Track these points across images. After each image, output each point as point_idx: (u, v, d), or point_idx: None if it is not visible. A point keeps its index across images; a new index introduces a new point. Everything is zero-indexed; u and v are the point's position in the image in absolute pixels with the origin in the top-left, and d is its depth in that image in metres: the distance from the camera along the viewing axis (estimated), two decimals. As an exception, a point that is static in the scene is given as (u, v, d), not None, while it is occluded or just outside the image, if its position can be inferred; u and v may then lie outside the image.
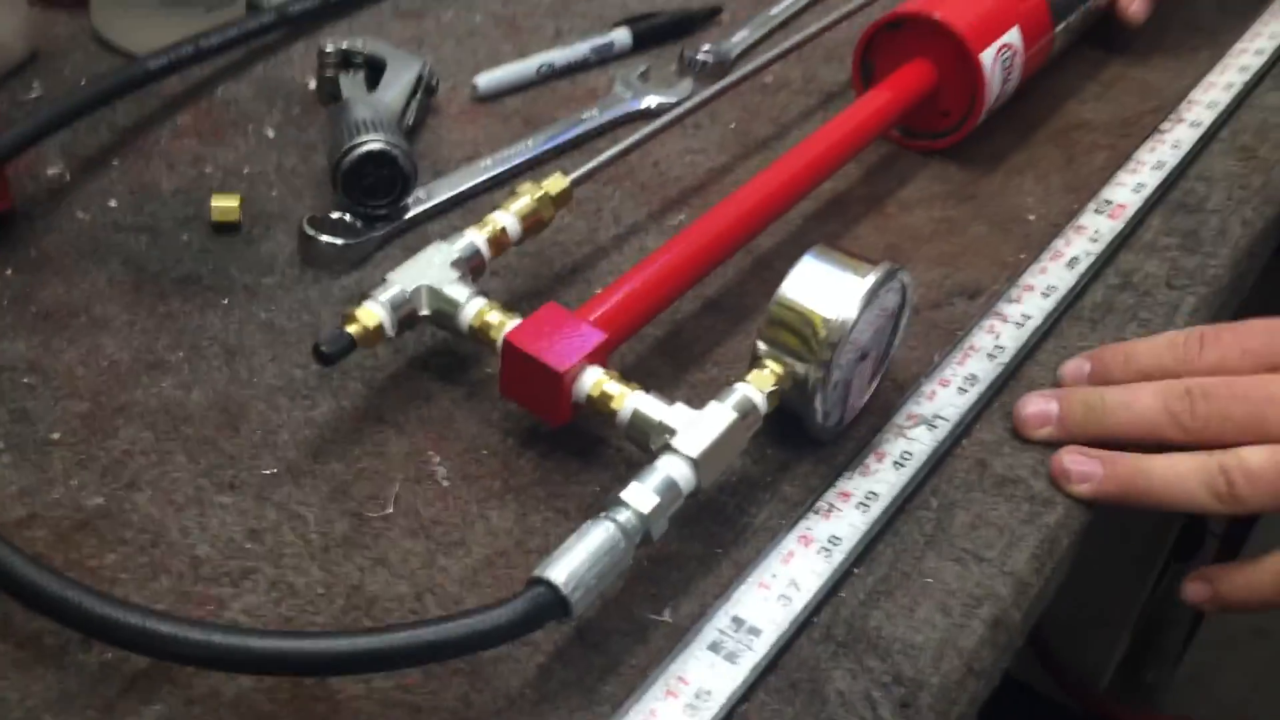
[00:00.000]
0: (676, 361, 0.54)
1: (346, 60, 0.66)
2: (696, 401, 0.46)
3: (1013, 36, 0.65)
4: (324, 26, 0.74)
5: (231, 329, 0.53)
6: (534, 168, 0.65)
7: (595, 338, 0.47)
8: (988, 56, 0.64)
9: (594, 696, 0.41)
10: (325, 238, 0.56)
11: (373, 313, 0.48)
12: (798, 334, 0.47)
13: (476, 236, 0.51)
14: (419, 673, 0.41)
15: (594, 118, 0.68)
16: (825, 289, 0.47)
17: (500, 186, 0.63)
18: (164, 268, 0.56)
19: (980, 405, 0.52)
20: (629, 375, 0.47)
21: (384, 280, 0.49)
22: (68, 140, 0.62)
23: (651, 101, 0.70)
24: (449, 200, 0.61)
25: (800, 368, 0.47)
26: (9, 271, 0.55)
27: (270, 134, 0.65)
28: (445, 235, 0.59)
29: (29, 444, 0.47)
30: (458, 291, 0.49)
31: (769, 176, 0.57)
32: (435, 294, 0.49)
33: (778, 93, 0.73)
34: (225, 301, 0.55)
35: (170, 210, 0.59)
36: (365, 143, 0.57)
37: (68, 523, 0.45)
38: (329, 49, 0.66)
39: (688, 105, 0.62)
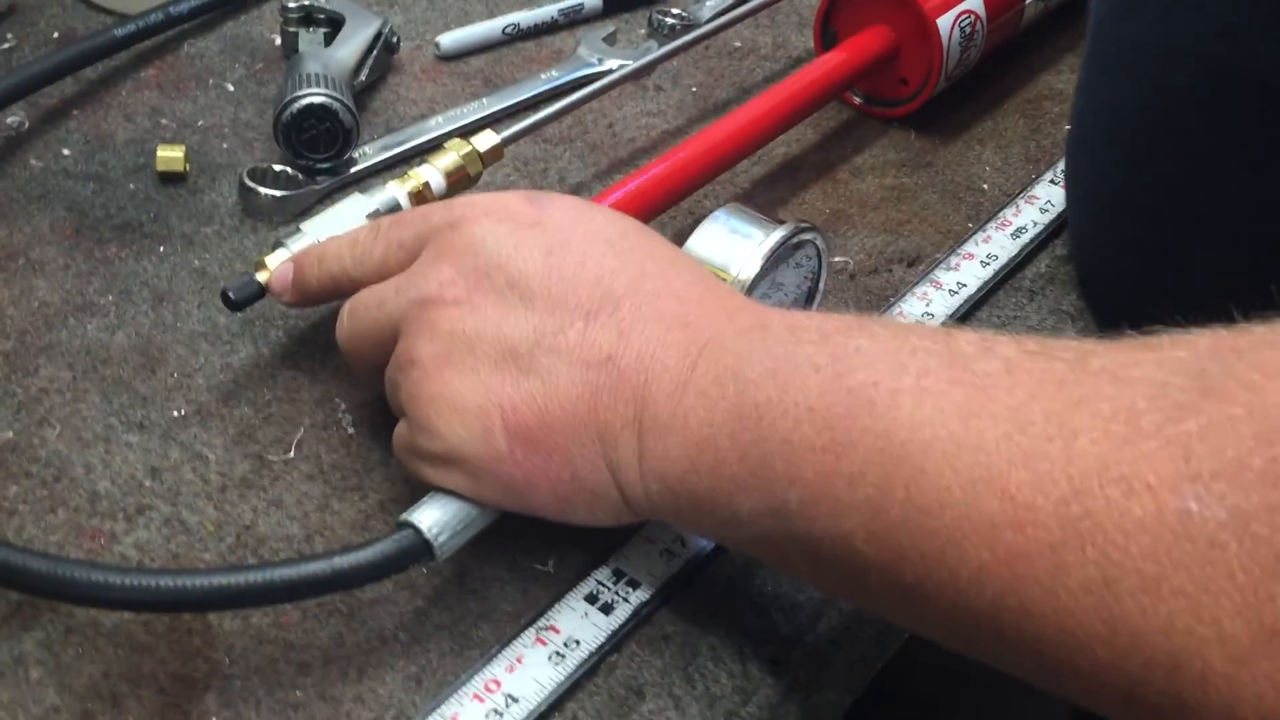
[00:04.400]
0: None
1: (309, 17, 0.67)
2: None
3: (974, 3, 0.64)
4: (297, -15, 0.74)
5: (164, 275, 0.54)
6: (485, 126, 0.65)
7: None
8: (945, 23, 0.63)
9: (466, 640, 0.41)
10: (265, 190, 0.57)
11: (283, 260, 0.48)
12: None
13: (398, 191, 0.52)
14: (296, 611, 0.42)
15: (553, 79, 0.68)
16: (730, 246, 0.47)
17: (450, 144, 0.64)
18: (106, 215, 0.57)
19: (899, 371, 0.52)
20: None
21: (298, 229, 0.49)
22: (31, 90, 0.64)
23: (613, 64, 0.69)
24: (395, 157, 0.62)
25: (704, 325, 0.47)
26: (-45, 214, 0.56)
27: (230, 88, 0.66)
28: (387, 190, 0.60)
29: (-50, 379, 0.49)
30: (371, 243, 0.49)
31: (715, 129, 0.57)
32: (348, 244, 0.49)
33: (745, 58, 0.72)
34: (161, 249, 0.56)
35: (121, 160, 0.60)
36: (306, 95, 0.57)
37: (-24, 455, 0.46)
38: (291, 4, 0.67)
39: (640, 64, 0.61)
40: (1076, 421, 0.31)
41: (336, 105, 0.58)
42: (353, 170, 0.60)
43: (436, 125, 0.64)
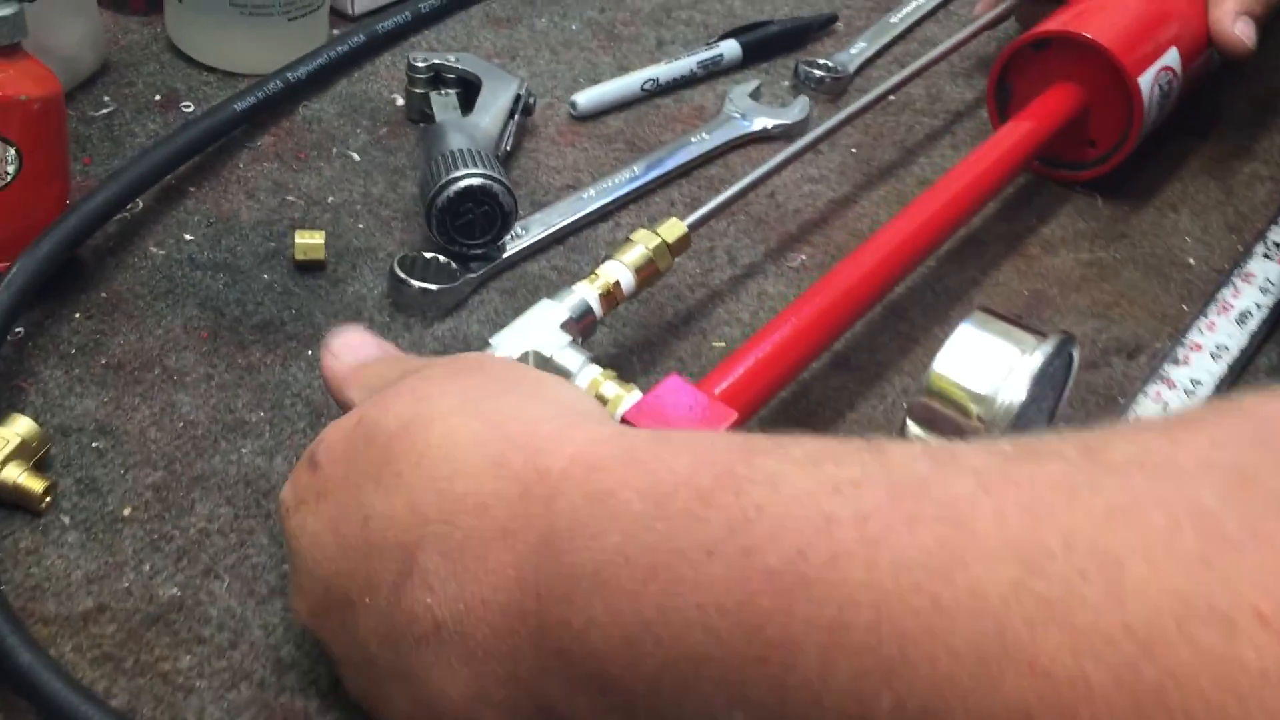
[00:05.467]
0: (804, 429, 0.48)
1: (438, 77, 0.61)
2: None
3: (1171, 58, 0.59)
4: (410, 35, 0.69)
5: (316, 383, 0.49)
6: (640, 198, 0.59)
7: (725, 418, 0.41)
8: (1145, 81, 0.57)
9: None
10: (418, 282, 0.51)
11: (475, 382, 0.43)
12: (956, 415, 0.41)
13: (588, 293, 0.46)
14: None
15: (703, 141, 0.62)
16: (987, 365, 0.41)
17: (605, 219, 0.58)
18: (244, 312, 0.51)
19: (1150, 489, 0.46)
20: None
21: (487, 344, 0.44)
22: (141, 164, 0.58)
23: (765, 123, 0.64)
24: (550, 236, 0.56)
25: (956, 454, 0.41)
26: (78, 316, 0.50)
27: (355, 157, 0.60)
28: (546, 275, 0.54)
29: (98, 520, 0.43)
30: (569, 358, 0.44)
31: (903, 222, 0.51)
32: (544, 361, 0.44)
33: (901, 112, 0.67)
34: (310, 353, 0.50)
35: (250, 245, 0.55)
36: (462, 177, 0.52)
37: (139, 616, 0.40)
38: (419, 63, 0.61)
39: (810, 137, 0.56)
40: (1115, 542, 0.22)
41: (496, 187, 0.52)
42: (505, 255, 0.55)
43: (589, 198, 0.58)
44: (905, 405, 0.43)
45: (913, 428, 0.42)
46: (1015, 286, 0.56)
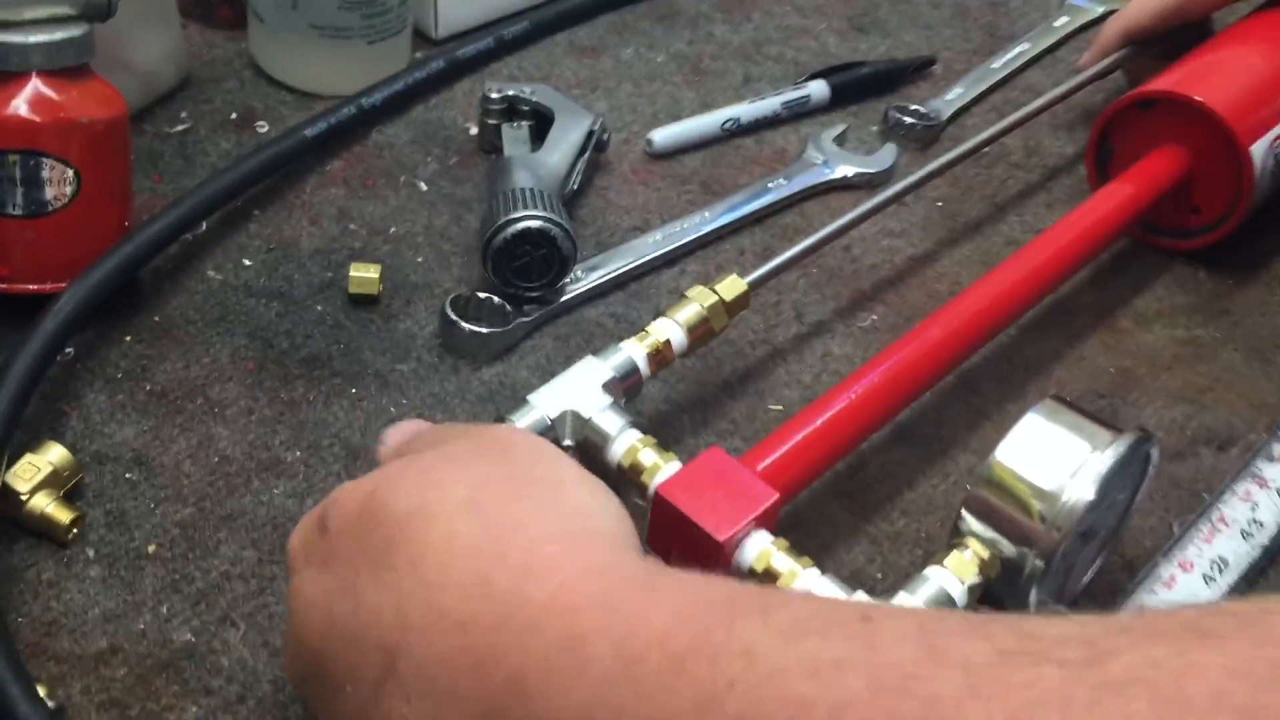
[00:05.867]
0: (856, 504, 0.46)
1: (512, 109, 0.60)
2: (880, 563, 0.38)
3: (1290, 124, 0.55)
4: (492, 62, 0.68)
5: (356, 424, 0.48)
6: (710, 244, 0.57)
7: (764, 499, 0.39)
8: (1259, 150, 0.53)
9: None
10: (469, 326, 0.50)
11: (508, 441, 0.41)
12: (1016, 511, 0.38)
13: (635, 351, 0.44)
14: None
15: (781, 187, 0.60)
16: (1055, 459, 0.38)
17: (670, 265, 0.56)
18: (292, 344, 0.50)
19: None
20: (799, 521, 0.40)
21: (525, 401, 0.42)
22: (209, 184, 0.58)
23: (848, 171, 0.61)
24: (610, 281, 0.54)
25: (1015, 553, 0.38)
26: (129, 339, 0.50)
27: (423, 187, 0.59)
28: (603, 322, 0.53)
29: (122, 556, 0.42)
30: (609, 421, 0.42)
31: (984, 289, 0.49)
32: (582, 423, 0.42)
33: (994, 164, 0.63)
34: (353, 391, 0.49)
35: (307, 274, 0.54)
36: (521, 219, 0.50)
37: (150, 661, 0.39)
38: (494, 94, 0.60)
39: (893, 190, 0.53)
40: None
41: (555, 230, 0.50)
42: (563, 299, 0.53)
43: (654, 243, 0.56)
44: (962, 497, 0.40)
45: (968, 519, 0.39)
46: (1100, 362, 0.52)
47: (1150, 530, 0.45)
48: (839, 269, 0.56)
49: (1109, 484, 0.38)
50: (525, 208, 0.50)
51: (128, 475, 0.45)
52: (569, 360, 0.51)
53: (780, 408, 0.50)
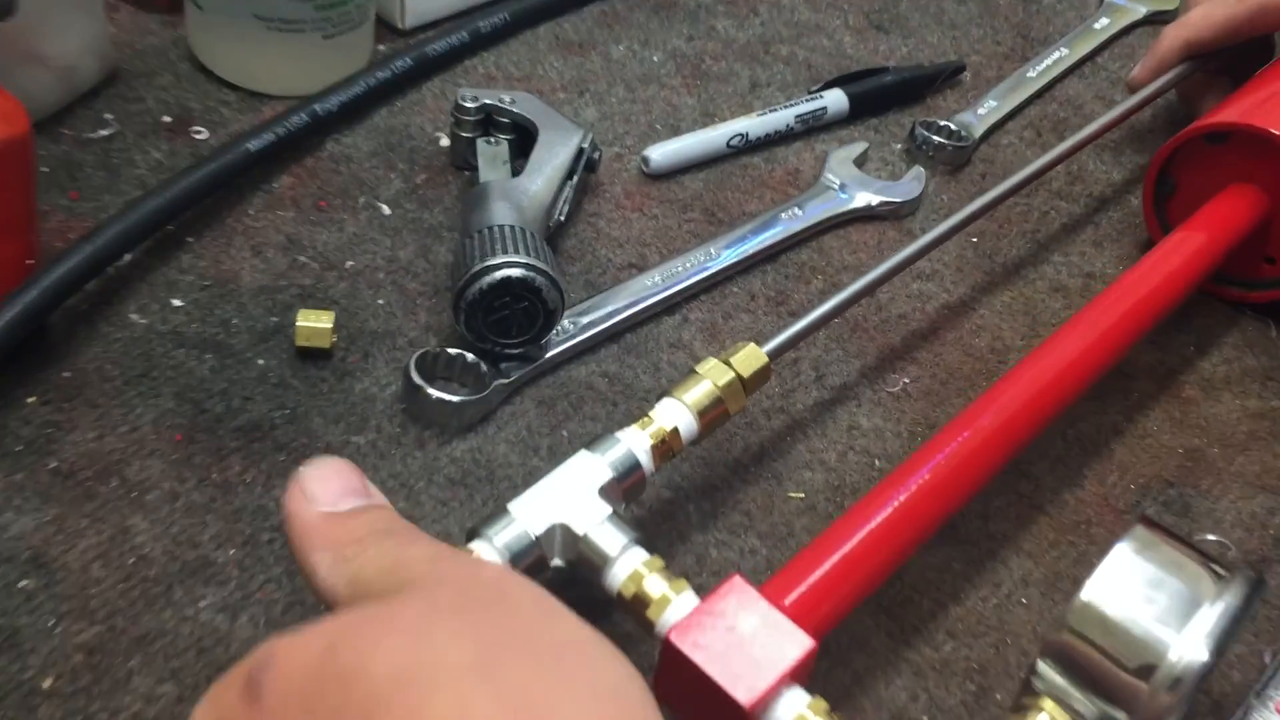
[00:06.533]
0: (894, 623, 0.39)
1: (489, 120, 0.52)
2: (925, 700, 0.32)
3: (1383, 165, 0.48)
4: (465, 59, 0.59)
5: (302, 514, 0.40)
6: (715, 286, 0.50)
7: (797, 649, 0.32)
8: (1350, 196, 0.47)
9: None
10: (436, 392, 0.42)
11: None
12: (1112, 668, 0.32)
13: (636, 442, 0.37)
14: None
15: (795, 218, 0.53)
16: (1159, 609, 0.32)
17: (671, 312, 0.49)
18: (228, 408, 0.43)
19: (1335, 753, 0.36)
20: (828, 645, 0.34)
21: (504, 512, 0.35)
22: (135, 203, 0.49)
23: (871, 199, 0.54)
24: (601, 334, 0.47)
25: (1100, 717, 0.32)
26: (33, 400, 0.42)
27: (385, 210, 0.51)
28: (593, 383, 0.45)
29: (11, 690, 0.35)
30: (607, 539, 0.34)
31: (1039, 367, 0.42)
32: (575, 540, 0.34)
33: (1033, 194, 0.56)
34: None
35: (248, 318, 0.46)
36: (499, 266, 0.42)
37: (40, 838, 0.32)
38: (468, 102, 0.52)
39: (927, 239, 0.46)
40: None
41: (540, 280, 0.43)
42: (548, 355, 0.45)
43: (653, 285, 0.49)
44: (1041, 645, 0.33)
45: (1046, 671, 0.33)
46: (1166, 441, 0.46)
47: (1239, 661, 0.39)
48: (863, 319, 0.49)
49: (1224, 642, 0.31)
50: (504, 251, 0.43)
51: (22, 583, 0.37)
52: (554, 431, 0.44)
53: (802, 495, 0.43)
